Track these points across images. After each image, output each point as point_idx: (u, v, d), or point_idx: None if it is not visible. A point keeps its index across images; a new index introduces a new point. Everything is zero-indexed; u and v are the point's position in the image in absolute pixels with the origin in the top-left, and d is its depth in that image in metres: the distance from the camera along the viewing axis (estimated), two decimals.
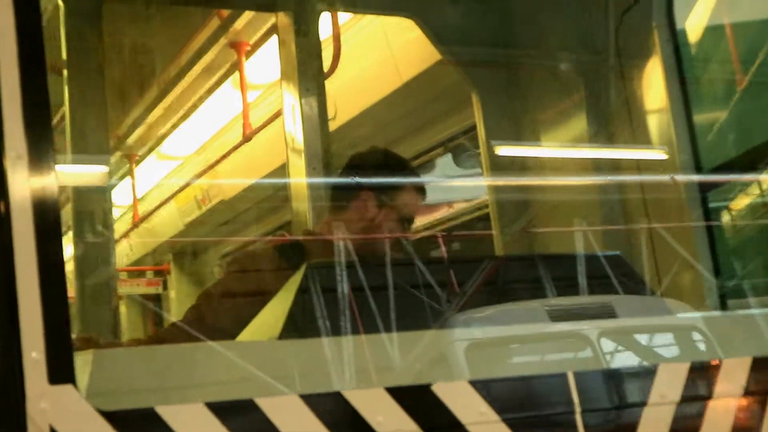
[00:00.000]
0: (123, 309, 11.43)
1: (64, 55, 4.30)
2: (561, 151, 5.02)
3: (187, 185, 8.08)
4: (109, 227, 4.50)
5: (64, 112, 4.27)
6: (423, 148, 6.19)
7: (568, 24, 4.76)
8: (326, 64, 5.16)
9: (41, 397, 1.73)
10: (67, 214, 4.19)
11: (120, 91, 6.57)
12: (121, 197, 8.91)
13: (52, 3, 4.43)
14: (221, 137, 7.51)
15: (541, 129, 5.08)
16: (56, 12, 4.30)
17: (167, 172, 8.50)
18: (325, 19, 5.08)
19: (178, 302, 10.03)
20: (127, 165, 8.12)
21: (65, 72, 4.26)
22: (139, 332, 11.33)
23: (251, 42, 6.01)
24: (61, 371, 1.76)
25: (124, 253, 10.26)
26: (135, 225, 8.61)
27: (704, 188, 4.23)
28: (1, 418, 1.74)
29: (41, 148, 1.82)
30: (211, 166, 7.16)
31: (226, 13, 5.69)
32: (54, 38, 4.29)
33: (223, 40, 5.97)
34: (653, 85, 4.35)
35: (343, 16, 5.45)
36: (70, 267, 3.83)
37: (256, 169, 6.86)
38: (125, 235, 9.31)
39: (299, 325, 2.40)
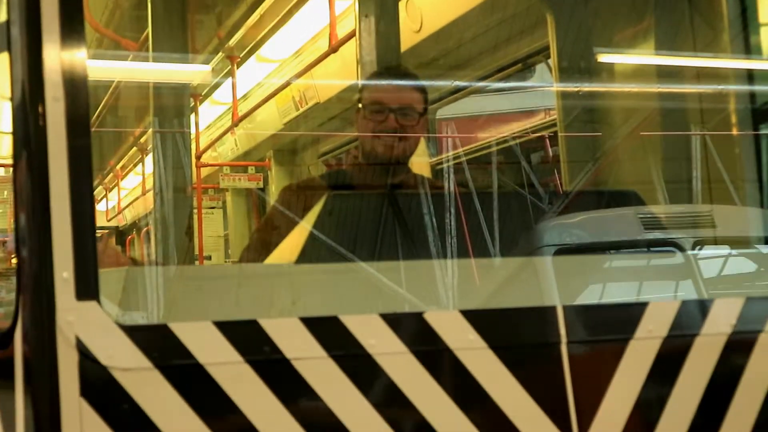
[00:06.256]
0: (229, 201, 12.00)
1: None
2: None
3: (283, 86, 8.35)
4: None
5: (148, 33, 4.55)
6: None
7: None
8: None
9: (69, 311, 1.99)
10: None
11: None
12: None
13: None
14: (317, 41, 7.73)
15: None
16: None
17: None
18: None
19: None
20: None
21: None
22: (243, 222, 11.89)
23: None
24: (86, 289, 2.04)
25: (229, 148, 10.72)
26: (236, 122, 8.99)
27: None
28: (36, 328, 2.05)
29: None
30: (303, 72, 7.41)
31: None
32: None
33: None
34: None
35: None
36: None
37: (349, 75, 7.06)
38: (229, 130, 9.73)
39: None
